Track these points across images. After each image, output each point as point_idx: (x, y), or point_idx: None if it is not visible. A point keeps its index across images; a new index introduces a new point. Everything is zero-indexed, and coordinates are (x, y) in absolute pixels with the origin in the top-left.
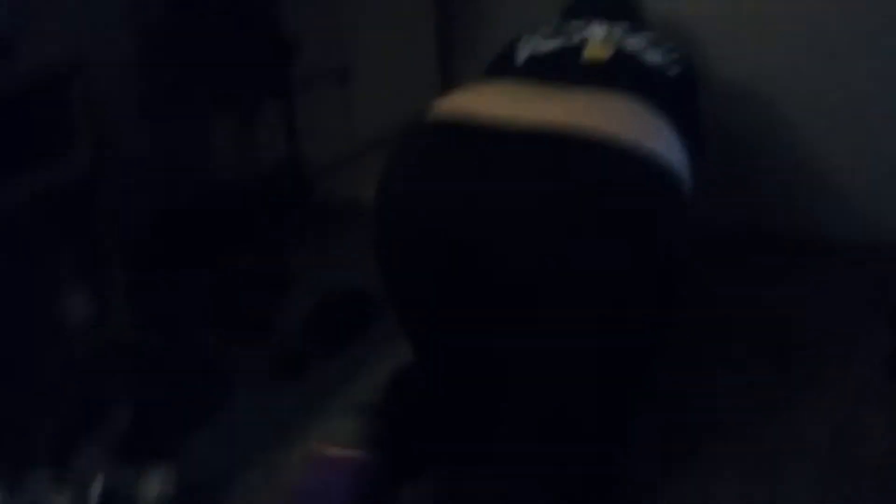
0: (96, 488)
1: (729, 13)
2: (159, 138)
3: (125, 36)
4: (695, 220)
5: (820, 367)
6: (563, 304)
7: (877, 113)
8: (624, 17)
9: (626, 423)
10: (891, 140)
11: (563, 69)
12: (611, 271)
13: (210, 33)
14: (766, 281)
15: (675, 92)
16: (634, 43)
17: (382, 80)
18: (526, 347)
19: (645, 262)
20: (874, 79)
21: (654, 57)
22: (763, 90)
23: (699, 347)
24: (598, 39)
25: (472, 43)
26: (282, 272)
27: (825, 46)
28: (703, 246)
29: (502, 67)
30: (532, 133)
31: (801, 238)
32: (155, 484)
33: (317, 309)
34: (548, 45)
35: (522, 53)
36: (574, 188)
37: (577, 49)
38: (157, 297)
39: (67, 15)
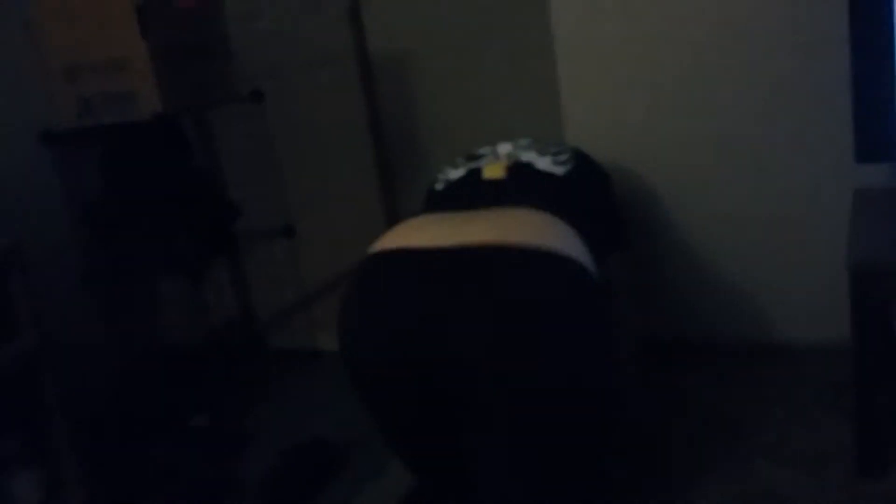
0: None
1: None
2: (106, 309)
3: (65, 210)
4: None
5: (788, 471)
6: (525, 395)
7: (808, 220)
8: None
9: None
10: (825, 242)
11: (468, 192)
12: (553, 356)
13: (151, 201)
14: (718, 388)
15: (566, 188)
16: (529, 154)
17: (328, 230)
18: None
19: (582, 343)
20: (800, 188)
21: (544, 162)
22: (689, 200)
23: (665, 457)
24: (499, 156)
25: (412, 183)
26: (238, 430)
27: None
28: (649, 356)
29: (428, 197)
30: (456, 251)
31: (746, 343)
32: None
33: (277, 465)
34: (459, 171)
35: (441, 182)
36: (504, 294)
37: (479, 171)
38: (110, 470)
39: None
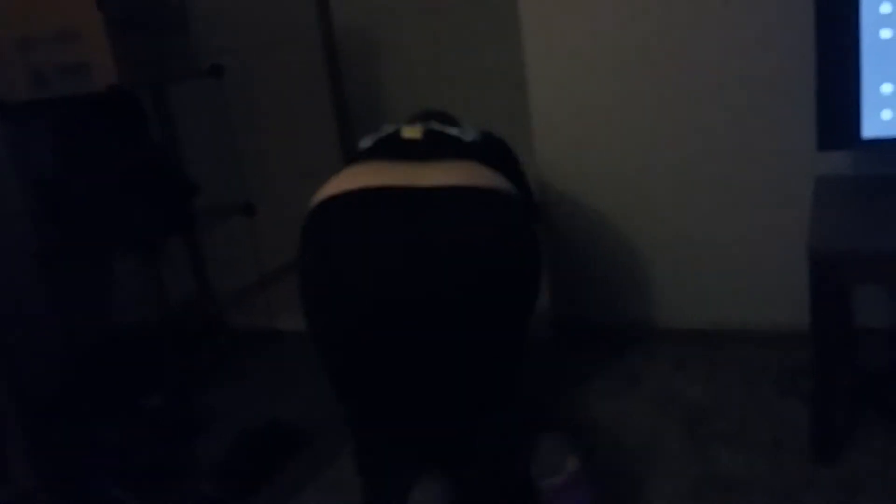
0: None
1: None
2: (59, 287)
3: (17, 184)
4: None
5: (745, 456)
6: (482, 307)
7: (769, 206)
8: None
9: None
10: (786, 228)
11: (393, 147)
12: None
13: (106, 176)
14: (675, 373)
15: (477, 150)
16: (438, 125)
17: (289, 209)
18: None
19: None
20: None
21: (453, 131)
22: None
23: (622, 443)
24: (409, 126)
25: None
26: (193, 412)
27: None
28: (605, 341)
29: (352, 158)
30: (434, 189)
31: (703, 328)
32: None
33: (232, 447)
34: (374, 137)
35: (361, 146)
36: (484, 228)
37: (397, 132)
38: (61, 452)
39: None
